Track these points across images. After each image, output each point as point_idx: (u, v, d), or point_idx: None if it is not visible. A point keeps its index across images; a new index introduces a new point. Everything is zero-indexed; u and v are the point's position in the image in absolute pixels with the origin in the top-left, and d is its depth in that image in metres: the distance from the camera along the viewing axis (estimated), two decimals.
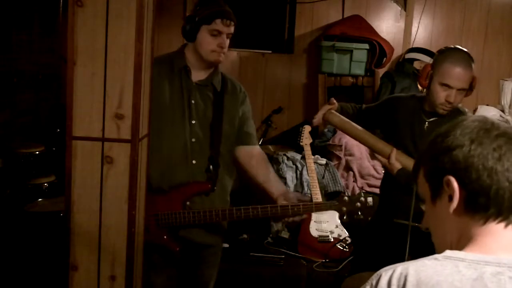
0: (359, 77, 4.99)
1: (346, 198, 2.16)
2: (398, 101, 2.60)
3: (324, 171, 4.38)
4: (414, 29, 5.16)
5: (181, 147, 2.23)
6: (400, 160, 2.37)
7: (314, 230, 3.90)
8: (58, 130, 4.26)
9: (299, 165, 4.37)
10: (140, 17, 1.65)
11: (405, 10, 5.14)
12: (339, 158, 4.68)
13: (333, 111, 2.57)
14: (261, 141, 5.11)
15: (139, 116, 1.72)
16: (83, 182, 1.73)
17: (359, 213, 2.12)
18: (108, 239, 1.76)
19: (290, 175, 4.29)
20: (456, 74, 2.30)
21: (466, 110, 2.54)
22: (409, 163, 2.33)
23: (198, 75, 2.31)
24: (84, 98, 1.69)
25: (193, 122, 2.27)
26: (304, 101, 5.39)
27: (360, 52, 4.89)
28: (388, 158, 2.38)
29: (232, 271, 3.50)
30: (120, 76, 1.68)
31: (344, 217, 2.40)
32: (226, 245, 3.83)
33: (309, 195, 4.06)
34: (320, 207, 2.34)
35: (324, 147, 4.77)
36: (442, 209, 1.00)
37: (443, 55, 2.37)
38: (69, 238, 1.76)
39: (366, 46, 4.88)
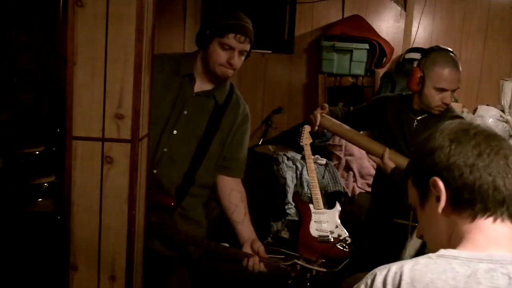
0: (359, 77, 4.99)
1: (298, 266, 2.14)
2: (385, 101, 2.63)
3: (324, 171, 4.38)
4: (414, 29, 5.15)
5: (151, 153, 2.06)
6: (393, 159, 2.40)
7: (314, 230, 3.90)
8: (58, 130, 4.26)
9: (299, 165, 4.36)
10: (140, 17, 1.65)
11: (405, 10, 5.13)
12: (339, 158, 4.69)
13: (324, 115, 2.61)
14: (261, 141, 5.12)
15: (139, 116, 1.72)
16: (83, 182, 1.73)
17: (307, 283, 2.13)
18: (108, 239, 1.76)
19: (290, 175, 4.29)
20: (449, 76, 2.34)
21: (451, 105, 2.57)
22: (402, 161, 2.37)
23: (202, 86, 2.19)
24: (84, 98, 1.69)
25: (175, 132, 2.15)
26: (304, 101, 5.39)
27: (360, 52, 4.89)
28: (382, 157, 2.41)
29: (232, 271, 3.50)
30: (120, 76, 1.68)
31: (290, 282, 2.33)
32: (226, 245, 3.84)
33: (309, 195, 4.06)
34: (270, 265, 2.17)
35: (324, 147, 4.77)
36: (431, 211, 1.02)
37: (430, 58, 2.39)
38: (69, 238, 1.76)
39: (366, 46, 4.88)
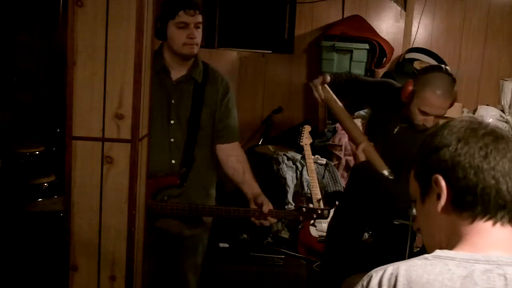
0: None
1: (304, 209, 2.34)
2: (389, 89, 2.59)
3: (324, 171, 4.38)
4: (414, 29, 5.15)
5: (162, 147, 2.27)
6: (366, 153, 2.40)
7: (314, 230, 3.90)
8: (58, 130, 4.26)
9: (299, 165, 4.36)
10: (140, 17, 1.65)
11: (405, 10, 5.13)
12: (339, 158, 4.68)
13: (325, 86, 2.57)
14: (261, 141, 5.12)
15: (139, 116, 1.72)
16: (83, 182, 1.73)
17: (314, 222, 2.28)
18: (108, 239, 1.76)
19: (290, 175, 4.29)
20: (435, 103, 2.30)
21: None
22: (373, 157, 2.39)
23: (178, 73, 2.32)
24: (84, 98, 1.69)
25: (172, 122, 2.30)
26: (304, 101, 5.39)
27: (360, 52, 4.88)
28: (357, 146, 2.41)
29: (232, 271, 3.50)
30: (120, 76, 1.68)
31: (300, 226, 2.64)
32: (226, 245, 3.84)
33: (309, 195, 4.06)
34: (278, 215, 2.35)
35: (324, 147, 4.77)
36: (431, 208, 1.01)
37: (425, 77, 2.33)
38: (69, 238, 1.76)
39: (366, 46, 4.87)
